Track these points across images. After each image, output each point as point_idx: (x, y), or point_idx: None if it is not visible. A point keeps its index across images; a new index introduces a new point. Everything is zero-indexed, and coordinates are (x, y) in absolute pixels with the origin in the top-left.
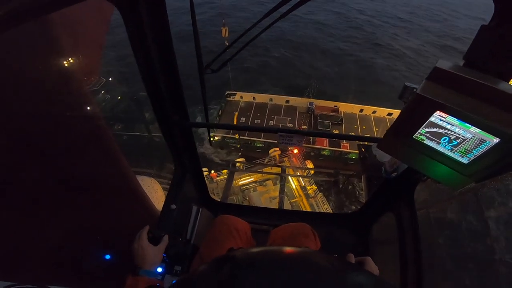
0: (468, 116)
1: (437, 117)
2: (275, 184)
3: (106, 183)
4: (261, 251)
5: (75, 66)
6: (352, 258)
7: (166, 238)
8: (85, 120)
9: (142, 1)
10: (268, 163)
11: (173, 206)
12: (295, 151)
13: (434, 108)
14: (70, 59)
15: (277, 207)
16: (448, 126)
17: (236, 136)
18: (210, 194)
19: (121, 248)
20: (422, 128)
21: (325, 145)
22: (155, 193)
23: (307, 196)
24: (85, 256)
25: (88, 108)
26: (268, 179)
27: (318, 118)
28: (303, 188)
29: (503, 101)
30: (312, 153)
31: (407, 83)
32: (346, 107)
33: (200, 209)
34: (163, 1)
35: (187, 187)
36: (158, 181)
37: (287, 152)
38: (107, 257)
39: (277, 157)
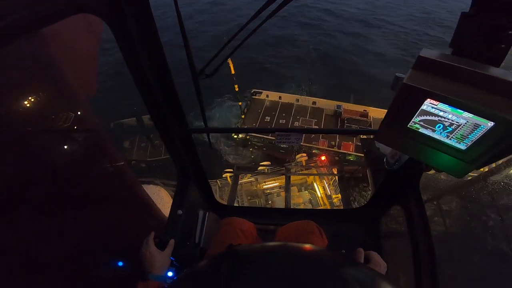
0: (457, 102)
1: (429, 105)
2: (299, 190)
3: (115, 194)
4: (260, 246)
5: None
6: (361, 253)
7: (172, 242)
8: (90, 135)
9: (129, 12)
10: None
11: (180, 212)
12: (323, 158)
13: (423, 96)
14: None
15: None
16: (441, 113)
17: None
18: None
19: (132, 256)
20: (416, 117)
21: (351, 150)
22: (161, 200)
23: (332, 205)
24: (97, 265)
25: (92, 122)
26: (293, 185)
27: (345, 122)
28: (329, 197)
29: (491, 85)
30: (337, 158)
31: (398, 74)
32: (376, 112)
33: (207, 213)
34: (150, 11)
35: (192, 192)
36: (164, 188)
37: (315, 159)
38: (120, 264)
39: (304, 163)
